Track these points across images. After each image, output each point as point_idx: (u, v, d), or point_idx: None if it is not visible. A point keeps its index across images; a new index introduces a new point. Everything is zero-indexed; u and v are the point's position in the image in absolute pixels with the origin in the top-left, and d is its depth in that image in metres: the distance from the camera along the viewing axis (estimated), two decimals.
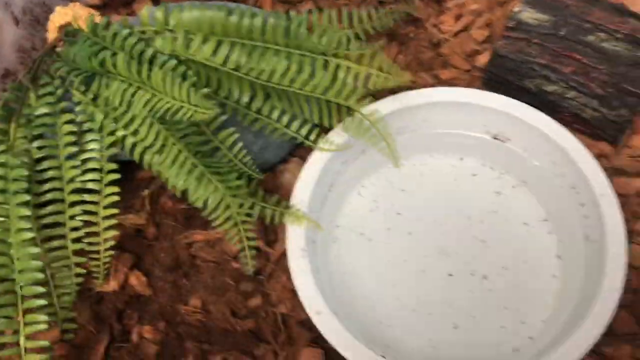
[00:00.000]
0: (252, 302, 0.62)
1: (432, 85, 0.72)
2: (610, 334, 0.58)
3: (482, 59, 0.72)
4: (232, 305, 0.62)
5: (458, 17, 0.75)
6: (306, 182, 0.62)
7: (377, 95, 0.65)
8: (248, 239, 0.59)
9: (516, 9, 0.68)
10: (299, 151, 0.70)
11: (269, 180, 0.68)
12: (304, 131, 0.63)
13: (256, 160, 0.66)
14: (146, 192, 0.68)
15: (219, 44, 0.61)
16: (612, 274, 0.56)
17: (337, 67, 0.61)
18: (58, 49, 0.70)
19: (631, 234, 0.62)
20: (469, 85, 0.72)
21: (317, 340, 0.58)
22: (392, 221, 0.67)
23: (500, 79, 0.70)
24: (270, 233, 0.65)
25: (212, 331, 0.61)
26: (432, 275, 0.64)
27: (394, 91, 0.68)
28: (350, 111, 0.59)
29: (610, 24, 0.65)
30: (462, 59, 0.73)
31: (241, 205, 0.58)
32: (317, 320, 0.56)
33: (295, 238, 0.59)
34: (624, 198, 0.64)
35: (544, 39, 0.66)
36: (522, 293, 0.63)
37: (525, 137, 0.65)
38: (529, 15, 0.68)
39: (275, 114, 0.63)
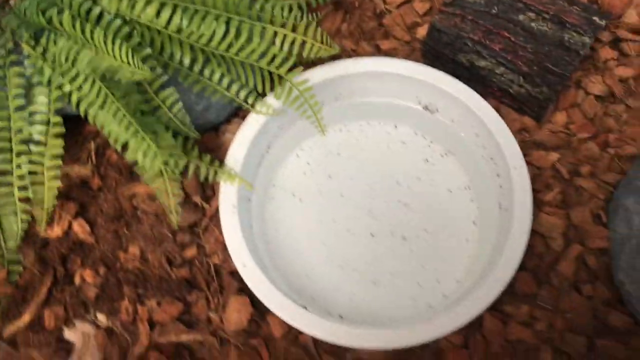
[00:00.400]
0: (188, 252, 0.67)
1: (372, 55, 0.75)
2: (512, 293, 0.64)
3: (422, 32, 0.75)
4: (168, 254, 0.66)
5: None
6: (241, 143, 0.66)
7: (317, 63, 0.69)
8: (174, 195, 0.63)
9: None
10: (242, 112, 0.73)
11: (211, 140, 0.72)
12: (242, 94, 0.66)
13: (199, 120, 0.69)
14: (92, 144, 0.71)
15: (162, 6, 0.63)
16: (515, 239, 0.61)
17: (274, 34, 0.64)
18: (11, 2, 0.72)
19: (542, 204, 0.67)
20: (408, 56, 0.75)
21: (245, 289, 0.63)
22: (325, 183, 0.72)
23: (437, 52, 0.73)
24: (208, 189, 0.69)
25: (148, 278, 0.66)
26: (358, 235, 0.69)
27: (334, 59, 0.71)
28: (281, 79, 0.63)
29: (540, 4, 0.69)
30: (403, 30, 0.76)
31: (176, 164, 0.62)
32: (242, 272, 0.61)
33: (227, 195, 0.64)
34: (539, 170, 0.68)
35: (478, 16, 0.70)
36: (439, 254, 0.68)
37: (452, 109, 0.69)
38: None
39: (215, 77, 0.66)
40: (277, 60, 0.61)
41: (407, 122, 0.74)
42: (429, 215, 0.70)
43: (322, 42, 0.63)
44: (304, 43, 0.63)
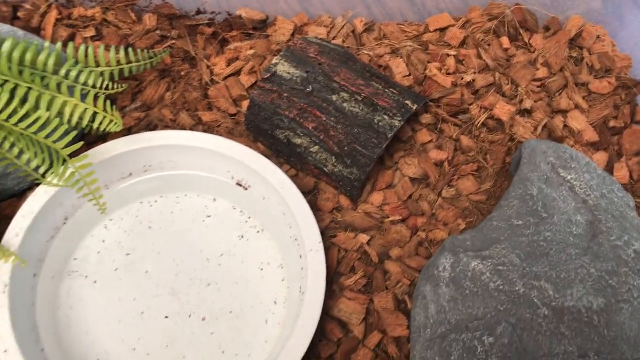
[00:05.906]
0: None
1: (193, 126, 0.73)
2: None
3: (247, 105, 0.74)
4: None
5: (231, 61, 0.77)
6: (24, 216, 0.61)
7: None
8: None
9: (274, 61, 0.71)
10: None
11: (12, 207, 0.67)
12: (33, 163, 0.62)
13: None
14: None
15: None
16: (302, 327, 0.58)
17: (64, 104, 0.61)
18: None
19: (344, 289, 0.65)
20: (232, 129, 0.73)
21: None
22: (128, 258, 0.68)
23: (257, 126, 0.72)
24: None
25: None
26: (157, 315, 0.65)
27: (150, 127, 0.69)
28: (59, 155, 0.59)
29: (353, 86, 0.69)
30: (228, 102, 0.74)
31: None
32: (2, 359, 0.56)
33: None
34: (346, 252, 0.67)
35: (293, 94, 0.69)
36: (242, 337, 0.64)
37: (262, 186, 0.68)
38: (284, 68, 0.70)
39: (6, 144, 0.62)
40: (57, 133, 0.58)
41: (225, 196, 0.71)
42: (235, 295, 0.66)
43: (112, 115, 0.61)
44: (95, 114, 0.61)
